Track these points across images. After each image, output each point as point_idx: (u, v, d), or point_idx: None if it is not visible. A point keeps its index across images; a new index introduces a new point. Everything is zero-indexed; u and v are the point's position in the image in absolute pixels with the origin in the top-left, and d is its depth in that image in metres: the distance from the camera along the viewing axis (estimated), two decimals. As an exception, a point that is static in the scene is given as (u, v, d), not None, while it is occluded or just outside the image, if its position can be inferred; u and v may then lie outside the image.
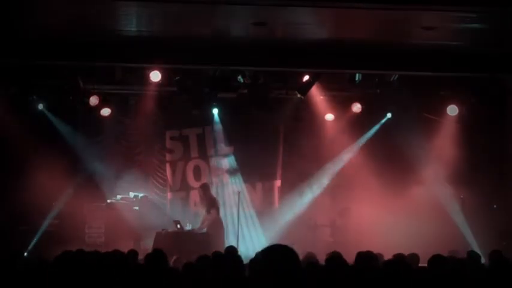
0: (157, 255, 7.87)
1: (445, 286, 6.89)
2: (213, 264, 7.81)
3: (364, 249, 8.44)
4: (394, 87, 15.78)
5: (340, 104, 16.85)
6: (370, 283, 6.46)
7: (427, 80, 15.80)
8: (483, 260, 10.13)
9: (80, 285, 6.35)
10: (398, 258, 9.16)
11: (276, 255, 4.33)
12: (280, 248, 4.41)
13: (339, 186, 16.86)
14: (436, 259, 7.58)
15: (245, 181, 16.94)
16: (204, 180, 16.93)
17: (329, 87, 16.48)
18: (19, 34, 12.50)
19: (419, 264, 9.73)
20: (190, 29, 12.34)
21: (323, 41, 13.01)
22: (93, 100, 16.02)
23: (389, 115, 16.94)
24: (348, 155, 16.94)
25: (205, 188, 15.67)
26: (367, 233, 15.06)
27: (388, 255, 9.48)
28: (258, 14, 11.44)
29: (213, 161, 17.19)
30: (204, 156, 17.29)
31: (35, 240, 15.47)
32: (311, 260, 8.21)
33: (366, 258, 7.82)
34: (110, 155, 16.46)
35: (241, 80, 15.45)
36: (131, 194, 16.33)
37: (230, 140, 17.10)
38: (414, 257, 9.82)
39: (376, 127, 17.01)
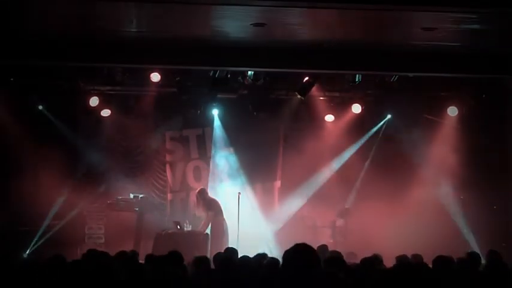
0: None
1: (446, 286, 6.90)
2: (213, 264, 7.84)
3: (364, 249, 8.46)
4: (394, 88, 15.77)
5: (340, 105, 16.86)
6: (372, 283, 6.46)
7: (427, 81, 15.81)
8: (483, 261, 10.12)
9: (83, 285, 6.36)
10: (402, 259, 9.18)
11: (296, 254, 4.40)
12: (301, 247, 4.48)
13: (338, 187, 16.85)
14: (440, 259, 7.60)
15: (245, 182, 16.92)
16: (204, 181, 16.94)
17: (329, 88, 16.50)
18: (19, 34, 12.50)
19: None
20: (190, 30, 12.34)
21: (323, 42, 13.00)
22: (93, 101, 16.05)
23: (389, 116, 16.94)
24: (348, 156, 16.93)
25: (202, 193, 15.67)
26: (367, 234, 15.07)
27: (388, 256, 9.49)
28: (257, 15, 11.43)
29: (213, 162, 17.19)
30: (204, 157, 17.29)
31: (34, 241, 15.46)
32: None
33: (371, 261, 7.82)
34: (110, 156, 16.45)
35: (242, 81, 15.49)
36: (131, 195, 16.32)
37: (230, 140, 17.09)
38: (417, 258, 9.83)
39: (376, 128, 17.00)
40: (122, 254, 9.08)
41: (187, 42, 13.00)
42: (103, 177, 16.30)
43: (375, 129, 17.00)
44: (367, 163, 16.88)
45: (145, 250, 12.81)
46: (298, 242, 4.79)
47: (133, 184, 16.50)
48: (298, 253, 4.61)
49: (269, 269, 7.51)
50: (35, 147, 15.47)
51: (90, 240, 16.14)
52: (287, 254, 4.65)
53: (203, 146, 17.29)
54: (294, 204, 16.77)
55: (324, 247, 10.12)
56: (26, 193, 15.23)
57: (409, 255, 9.67)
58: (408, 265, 6.22)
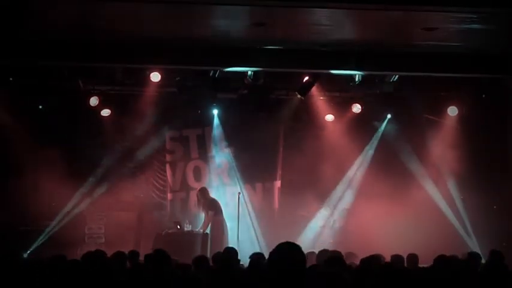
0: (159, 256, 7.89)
1: (447, 286, 6.90)
2: (212, 264, 7.83)
3: (364, 249, 8.45)
4: (394, 88, 15.77)
5: (340, 105, 16.85)
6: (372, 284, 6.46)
7: (427, 81, 15.80)
8: (483, 261, 10.12)
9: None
10: (396, 259, 9.18)
11: (281, 254, 4.40)
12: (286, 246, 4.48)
13: (338, 187, 16.85)
14: (441, 259, 7.61)
15: (245, 182, 16.93)
16: (204, 180, 16.93)
17: (329, 88, 16.49)
18: (19, 34, 12.49)
19: (419, 265, 9.73)
20: (190, 30, 12.34)
21: (323, 42, 13.00)
22: (93, 101, 16.03)
23: (389, 116, 16.94)
24: (348, 156, 16.92)
25: (203, 192, 15.67)
26: (367, 235, 15.06)
27: (388, 256, 9.50)
28: (258, 15, 11.44)
29: (213, 162, 17.18)
30: (204, 157, 17.28)
31: (34, 241, 15.45)
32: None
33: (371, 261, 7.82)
34: (110, 155, 16.44)
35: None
36: (131, 195, 16.32)
37: (230, 140, 17.08)
38: (413, 258, 9.84)
39: (376, 128, 16.99)
40: (122, 254, 9.09)
41: (187, 42, 13.00)
42: (103, 177, 16.29)
43: (374, 129, 17.00)
44: (367, 163, 16.88)
45: (145, 250, 12.79)
46: (294, 242, 4.78)
47: (133, 184, 16.50)
48: (283, 253, 4.60)
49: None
50: (35, 147, 15.46)
51: (90, 240, 16.12)
52: (272, 255, 4.64)
53: (203, 145, 17.28)
54: (294, 204, 16.77)
55: (324, 252, 10.03)
56: (26, 193, 15.23)
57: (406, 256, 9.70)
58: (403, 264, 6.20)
